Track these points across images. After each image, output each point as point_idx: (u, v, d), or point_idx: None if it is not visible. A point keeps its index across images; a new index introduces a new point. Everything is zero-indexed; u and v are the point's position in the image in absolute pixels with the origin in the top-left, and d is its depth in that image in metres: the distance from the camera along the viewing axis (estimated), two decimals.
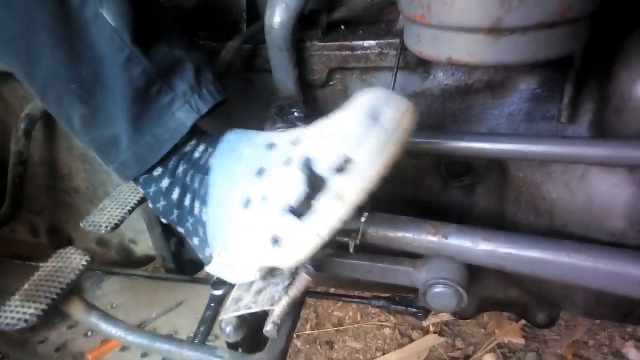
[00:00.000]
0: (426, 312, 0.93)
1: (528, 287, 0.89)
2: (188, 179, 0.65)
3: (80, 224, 0.82)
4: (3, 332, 0.96)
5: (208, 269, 0.72)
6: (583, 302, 0.79)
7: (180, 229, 0.71)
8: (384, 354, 1.55)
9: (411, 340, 1.58)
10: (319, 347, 1.59)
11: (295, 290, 0.62)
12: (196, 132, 0.66)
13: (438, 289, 0.77)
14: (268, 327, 0.64)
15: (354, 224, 0.78)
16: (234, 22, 0.88)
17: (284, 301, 0.64)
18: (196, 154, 0.66)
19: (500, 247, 0.70)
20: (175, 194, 0.67)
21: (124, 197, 0.87)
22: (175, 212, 0.68)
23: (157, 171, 0.67)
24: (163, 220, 0.71)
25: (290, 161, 0.56)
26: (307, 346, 1.60)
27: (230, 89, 0.85)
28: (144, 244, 1.15)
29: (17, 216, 1.11)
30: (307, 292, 0.97)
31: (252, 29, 0.79)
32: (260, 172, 0.59)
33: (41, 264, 0.73)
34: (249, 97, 0.86)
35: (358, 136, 0.51)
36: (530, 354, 1.49)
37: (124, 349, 0.89)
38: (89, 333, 0.94)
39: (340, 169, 0.52)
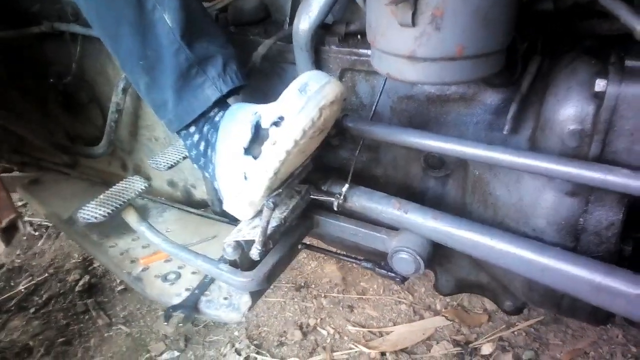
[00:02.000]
0: (403, 279, 1.12)
1: (492, 273, 1.05)
2: (209, 136, 0.91)
3: (147, 161, 1.12)
4: (88, 237, 1.30)
5: (224, 207, 0.98)
6: (521, 289, 0.94)
7: (206, 174, 0.97)
8: (394, 325, 1.73)
9: (422, 318, 1.75)
10: (340, 308, 1.80)
11: (264, 221, 0.85)
12: (220, 104, 0.93)
13: (401, 255, 0.96)
14: (252, 251, 0.88)
15: (338, 189, 0.99)
16: (282, 21, 1.11)
17: (260, 231, 0.87)
18: (217, 118, 0.92)
19: (443, 226, 0.88)
20: (202, 146, 0.93)
21: (181, 147, 1.15)
22: (202, 159, 0.95)
23: (192, 129, 0.94)
24: (195, 165, 0.99)
25: (251, 121, 0.82)
26: (331, 306, 1.81)
27: (269, 74, 1.09)
28: (201, 189, 1.44)
29: (112, 153, 1.46)
30: (310, 246, 1.21)
31: (286, 31, 1.02)
32: (239, 130, 0.84)
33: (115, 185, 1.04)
34: (282, 81, 1.09)
35: (289, 101, 0.77)
36: (528, 351, 1.59)
37: (167, 260, 1.19)
38: (146, 245, 1.24)
39: (276, 124, 0.78)
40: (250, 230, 0.93)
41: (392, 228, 1.03)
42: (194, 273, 1.14)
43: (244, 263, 0.96)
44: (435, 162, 0.98)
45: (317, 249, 1.23)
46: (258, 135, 0.81)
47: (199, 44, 0.89)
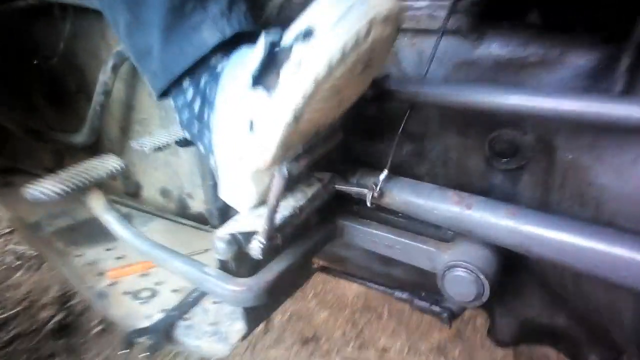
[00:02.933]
0: (451, 313, 0.84)
1: (579, 312, 0.77)
2: (208, 90, 0.68)
3: (131, 143, 0.88)
4: (52, 244, 1.05)
5: (220, 194, 0.73)
6: (631, 324, 0.66)
7: (200, 146, 0.73)
8: None
9: None
10: None
11: (273, 197, 0.60)
12: (222, 51, 0.69)
13: (457, 272, 0.70)
14: (252, 245, 0.63)
15: (373, 177, 0.75)
16: None
17: (266, 216, 0.61)
18: (218, 68, 0.68)
19: (525, 224, 0.62)
20: (196, 106, 0.69)
21: (175, 131, 0.92)
22: (196, 125, 0.71)
23: (186, 83, 0.70)
24: (187, 135, 0.74)
25: (265, 40, 0.57)
26: None
27: None
28: (199, 199, 1.20)
29: (96, 145, 1.23)
30: (328, 269, 0.94)
31: None
32: (248, 61, 0.60)
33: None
34: None
35: (323, 9, 0.51)
36: None
37: (143, 275, 0.93)
38: (121, 256, 0.99)
39: (303, 39, 0.51)
40: (252, 220, 0.67)
41: (441, 240, 0.77)
42: (174, 291, 0.87)
43: (240, 269, 0.69)
44: (506, 148, 0.73)
45: (336, 273, 0.96)
46: (275, 59, 0.55)
47: None
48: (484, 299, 0.70)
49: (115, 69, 1.04)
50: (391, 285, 0.92)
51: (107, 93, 1.05)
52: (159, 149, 0.85)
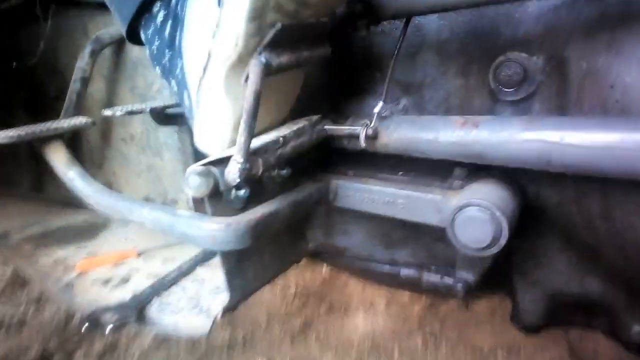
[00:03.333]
0: (466, 284, 0.73)
1: (613, 264, 0.66)
2: (179, 7, 0.61)
3: (102, 111, 0.81)
4: (20, 249, 0.95)
5: (195, 140, 0.65)
6: None
7: (173, 81, 0.65)
8: None
9: None
10: None
11: (250, 89, 0.51)
12: None
13: (469, 212, 0.61)
14: (229, 168, 0.54)
15: (364, 121, 0.67)
16: None
17: (243, 128, 0.53)
18: None
19: (543, 130, 0.53)
20: (167, 28, 0.63)
21: (152, 103, 0.85)
22: (168, 52, 0.64)
23: (157, 5, 0.64)
24: (157, 69, 0.67)
25: None
26: None
27: None
28: (184, 205, 1.11)
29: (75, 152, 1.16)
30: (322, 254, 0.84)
31: None
32: None
33: None
34: None
35: None
36: None
37: (116, 265, 0.82)
38: (93, 252, 0.88)
39: None
40: (228, 151, 0.59)
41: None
42: (149, 276, 0.76)
43: (217, 214, 0.59)
44: (513, 75, 0.65)
45: (332, 258, 0.85)
46: None
47: None
48: (503, 241, 0.60)
49: (93, 54, 0.99)
50: (396, 264, 0.81)
51: (85, 80, 0.99)
52: (131, 112, 0.78)
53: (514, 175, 0.67)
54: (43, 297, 1.76)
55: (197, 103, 0.61)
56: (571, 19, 0.61)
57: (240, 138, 0.52)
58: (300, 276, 1.93)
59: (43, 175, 1.35)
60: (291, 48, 0.55)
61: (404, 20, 0.66)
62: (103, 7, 1.01)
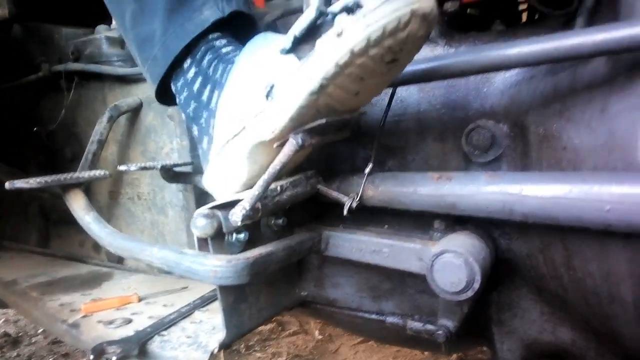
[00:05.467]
0: (447, 331, 0.78)
1: (579, 311, 0.72)
2: (211, 70, 0.72)
3: (118, 167, 0.90)
4: (27, 294, 1.00)
5: (204, 181, 0.73)
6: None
7: (195, 127, 0.75)
8: None
9: None
10: None
11: (280, 159, 0.60)
12: (222, 29, 0.74)
13: (445, 258, 0.68)
14: (234, 210, 0.61)
15: (354, 180, 0.76)
16: None
17: (260, 184, 0.61)
18: (224, 49, 0.73)
19: (506, 184, 0.62)
20: (197, 84, 0.73)
21: (162, 161, 0.95)
22: (193, 104, 0.73)
23: (187, 63, 0.74)
24: (183, 114, 0.76)
25: (315, 4, 0.60)
26: None
27: None
28: None
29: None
30: (312, 305, 0.89)
31: None
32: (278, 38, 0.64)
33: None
34: None
35: None
36: None
37: (120, 308, 0.86)
38: (97, 298, 0.93)
39: (349, 10, 0.54)
40: (233, 197, 0.66)
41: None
42: (151, 318, 0.81)
43: (220, 253, 0.66)
44: (483, 140, 0.75)
45: (323, 308, 0.90)
46: (316, 29, 0.58)
47: None
48: (477, 285, 0.66)
49: (111, 119, 1.09)
50: (383, 314, 0.86)
51: (101, 143, 1.09)
52: (143, 168, 0.87)
53: (486, 229, 0.75)
54: (34, 357, 1.75)
55: (217, 154, 0.70)
56: (530, 91, 0.71)
57: (255, 191, 0.60)
58: (292, 344, 1.93)
59: (50, 232, 1.41)
60: (322, 134, 0.65)
61: (390, 92, 0.76)
62: (122, 80, 1.14)
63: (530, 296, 0.79)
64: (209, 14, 0.72)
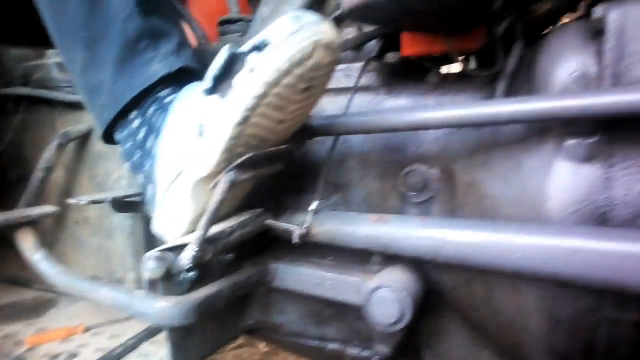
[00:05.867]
0: (381, 356, 0.84)
1: (498, 340, 0.80)
2: (154, 118, 0.75)
3: (67, 200, 0.91)
4: None
5: (153, 226, 0.76)
6: (541, 330, 0.69)
7: (140, 175, 0.77)
8: None
9: None
10: None
11: (213, 203, 0.64)
12: (170, 83, 0.78)
13: (380, 293, 0.74)
14: (184, 254, 0.65)
15: (301, 216, 0.80)
16: None
17: (202, 225, 0.65)
18: (167, 98, 0.76)
19: (435, 230, 0.69)
20: (141, 134, 0.76)
21: (113, 193, 0.96)
22: (138, 152, 0.76)
23: (133, 114, 0.77)
24: (127, 164, 0.79)
25: (225, 50, 0.65)
26: None
27: None
28: (130, 284, 1.18)
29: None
30: (259, 331, 0.93)
31: None
32: (200, 84, 0.68)
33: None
34: None
35: (278, 26, 0.61)
36: None
37: (64, 341, 0.87)
38: (44, 328, 0.93)
39: (258, 49, 0.61)
40: (183, 239, 0.70)
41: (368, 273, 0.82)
42: (97, 350, 0.83)
43: (169, 293, 0.69)
44: (417, 182, 0.82)
45: (267, 334, 0.95)
46: (231, 69, 0.64)
47: (154, 17, 0.78)
48: (408, 317, 0.73)
49: (60, 147, 1.10)
50: (325, 339, 0.92)
51: (48, 170, 1.09)
52: (93, 202, 0.88)
53: (419, 263, 0.82)
54: None
55: (162, 198, 0.73)
56: (458, 141, 0.79)
57: (199, 232, 0.64)
58: (238, 357, 1.95)
59: None
60: (253, 168, 0.70)
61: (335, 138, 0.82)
62: (73, 106, 1.14)
63: (457, 323, 0.86)
64: (158, 68, 0.76)
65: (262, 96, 0.61)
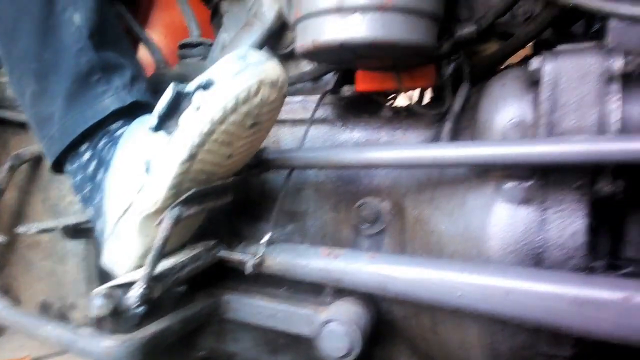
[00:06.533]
0: None
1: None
2: (105, 152, 0.74)
3: (16, 229, 0.88)
4: None
5: (102, 260, 0.76)
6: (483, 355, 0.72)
7: (90, 208, 0.77)
8: None
9: None
10: None
11: (159, 239, 0.64)
12: (122, 117, 0.77)
13: (331, 326, 0.75)
14: (131, 293, 0.65)
15: (255, 247, 0.81)
16: None
17: (149, 261, 0.65)
18: (118, 131, 0.76)
19: (383, 265, 0.71)
20: (91, 167, 0.75)
21: (65, 220, 0.95)
22: (88, 186, 0.76)
23: (84, 147, 0.77)
24: (77, 196, 0.78)
25: (171, 89, 0.65)
26: None
27: None
28: (82, 308, 1.16)
29: None
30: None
31: None
32: (148, 119, 0.68)
33: None
34: None
35: (223, 64, 0.62)
36: None
37: None
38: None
39: (203, 87, 0.62)
40: (131, 275, 0.70)
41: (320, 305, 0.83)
42: None
43: (117, 331, 0.69)
44: (369, 215, 0.84)
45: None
46: (177, 107, 0.64)
47: (107, 50, 0.78)
48: (357, 351, 0.74)
49: (12, 169, 1.07)
50: None
51: (0, 192, 1.06)
52: (43, 230, 0.87)
53: (371, 294, 0.84)
54: None
55: (111, 232, 0.73)
56: (408, 177, 0.81)
57: (146, 269, 0.64)
58: None
59: None
60: (199, 202, 0.70)
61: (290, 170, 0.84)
62: (27, 127, 1.12)
63: (406, 352, 0.88)
64: (109, 102, 0.76)
65: (209, 134, 0.62)
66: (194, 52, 1.15)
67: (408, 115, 0.86)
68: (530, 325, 0.62)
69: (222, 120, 0.62)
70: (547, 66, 0.63)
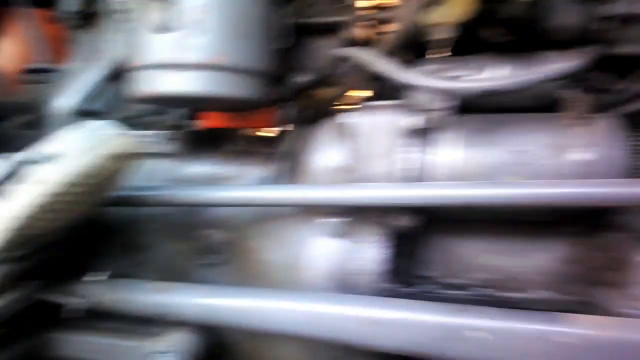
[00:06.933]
0: None
1: None
2: None
3: None
4: None
5: None
6: None
7: None
8: None
9: None
10: None
11: None
12: None
13: (157, 358, 0.76)
14: None
15: (85, 285, 0.80)
16: None
17: None
18: None
19: (205, 298, 0.75)
20: None
21: None
22: None
23: None
24: None
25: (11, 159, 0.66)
26: None
27: None
28: None
29: None
30: None
31: None
32: None
33: None
34: None
35: (73, 138, 0.65)
36: None
37: None
38: None
39: (48, 159, 0.63)
40: None
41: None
42: None
43: None
44: (209, 246, 0.87)
45: None
46: (18, 174, 0.64)
47: None
48: None
49: None
50: None
51: None
52: None
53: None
54: None
55: None
56: (245, 211, 0.86)
57: None
58: None
59: None
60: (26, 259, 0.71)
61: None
62: None
63: None
64: None
65: (44, 205, 0.63)
66: (40, 78, 1.11)
67: (250, 152, 0.92)
68: (340, 345, 0.69)
69: (63, 192, 0.63)
70: (359, 119, 0.73)
